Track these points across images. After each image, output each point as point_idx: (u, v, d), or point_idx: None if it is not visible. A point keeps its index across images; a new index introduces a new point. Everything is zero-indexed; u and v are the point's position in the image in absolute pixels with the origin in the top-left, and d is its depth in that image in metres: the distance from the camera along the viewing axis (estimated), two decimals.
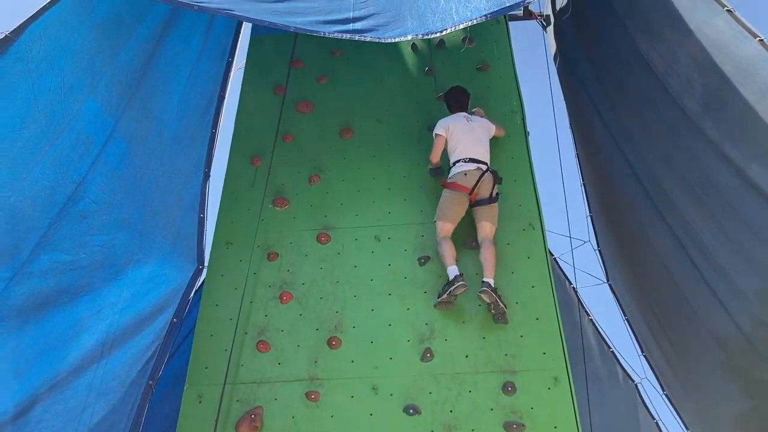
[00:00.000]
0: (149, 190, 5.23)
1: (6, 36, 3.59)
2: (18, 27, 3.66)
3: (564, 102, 7.23)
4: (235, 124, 5.87)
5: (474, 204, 4.72)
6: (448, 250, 4.55)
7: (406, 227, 4.95)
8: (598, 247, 7.14)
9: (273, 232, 5.07)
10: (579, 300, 6.92)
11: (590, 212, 7.10)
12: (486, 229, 4.60)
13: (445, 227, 4.67)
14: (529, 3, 3.84)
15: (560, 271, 7.36)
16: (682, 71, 4.46)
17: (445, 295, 4.41)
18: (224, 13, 4.26)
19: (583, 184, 7.14)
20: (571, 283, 7.32)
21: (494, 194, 4.69)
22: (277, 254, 4.94)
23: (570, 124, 7.18)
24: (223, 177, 5.51)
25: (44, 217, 4.02)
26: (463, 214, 4.71)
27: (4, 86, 3.60)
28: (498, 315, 4.38)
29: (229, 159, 5.60)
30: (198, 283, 5.74)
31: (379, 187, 5.22)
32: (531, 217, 4.83)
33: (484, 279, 4.35)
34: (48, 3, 3.82)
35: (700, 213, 4.60)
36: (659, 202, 5.19)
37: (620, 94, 5.71)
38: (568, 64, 7.11)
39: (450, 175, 4.82)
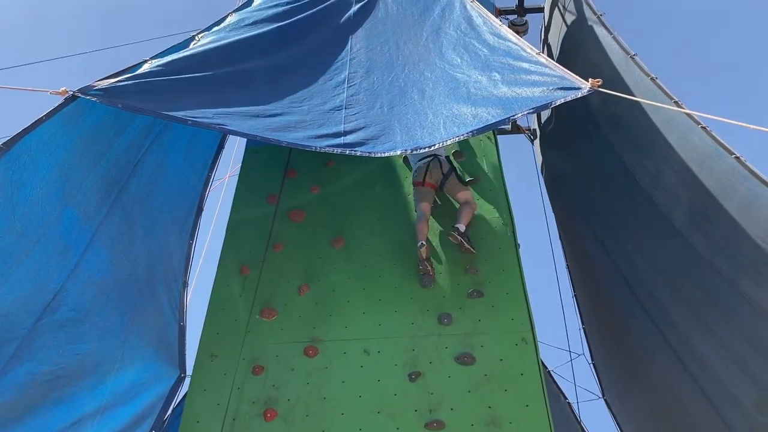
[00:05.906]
0: (132, 297, 5.13)
1: None
2: (11, 138, 3.67)
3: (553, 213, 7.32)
4: (226, 233, 5.85)
5: (440, 188, 5.48)
6: (421, 227, 5.26)
7: (396, 340, 4.81)
8: (593, 360, 6.99)
9: (259, 344, 4.92)
10: (576, 418, 6.67)
11: (583, 324, 7.00)
12: (464, 196, 5.37)
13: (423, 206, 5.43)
14: (514, 119, 3.93)
15: (555, 385, 7.16)
16: (668, 186, 4.53)
17: (420, 267, 5.09)
18: (218, 128, 4.33)
19: (575, 295, 7.08)
20: (566, 398, 7.11)
21: (448, 171, 5.44)
22: (263, 368, 4.77)
23: (559, 236, 7.22)
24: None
25: (20, 327, 3.90)
26: (432, 200, 5.50)
27: None
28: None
29: (218, 268, 5.54)
30: (180, 393, 5.52)
31: (369, 298, 5.13)
32: (524, 332, 4.72)
33: (455, 225, 5.05)
34: (44, 115, 3.84)
35: (696, 324, 4.52)
36: (654, 313, 5.11)
37: (609, 206, 5.77)
38: (554, 177, 7.24)
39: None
